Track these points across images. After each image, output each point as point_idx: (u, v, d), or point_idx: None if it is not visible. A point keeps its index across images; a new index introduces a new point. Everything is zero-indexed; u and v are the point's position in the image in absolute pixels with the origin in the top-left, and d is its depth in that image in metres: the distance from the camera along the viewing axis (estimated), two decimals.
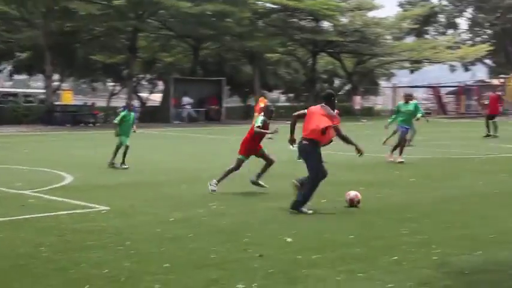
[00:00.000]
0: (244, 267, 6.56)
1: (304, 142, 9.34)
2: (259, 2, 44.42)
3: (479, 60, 61.36)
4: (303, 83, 53.72)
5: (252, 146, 11.32)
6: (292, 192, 9.77)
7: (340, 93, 56.47)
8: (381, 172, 14.61)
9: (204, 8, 38.66)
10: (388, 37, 51.88)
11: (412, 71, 60.70)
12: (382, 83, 62.27)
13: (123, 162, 14.72)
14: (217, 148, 21.98)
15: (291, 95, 58.80)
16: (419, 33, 61.89)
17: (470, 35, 66.99)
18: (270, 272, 6.38)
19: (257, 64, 47.04)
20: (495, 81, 52.65)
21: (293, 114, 10.10)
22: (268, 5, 45.35)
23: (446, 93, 56.73)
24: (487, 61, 65.89)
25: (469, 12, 66.91)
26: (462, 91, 52.80)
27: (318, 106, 9.60)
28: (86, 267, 6.46)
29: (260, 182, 11.40)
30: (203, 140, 26.68)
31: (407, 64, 55.54)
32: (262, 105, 29.02)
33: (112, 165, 14.77)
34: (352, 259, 6.91)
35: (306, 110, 9.78)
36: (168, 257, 6.91)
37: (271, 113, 11.34)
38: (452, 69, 64.86)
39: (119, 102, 49.56)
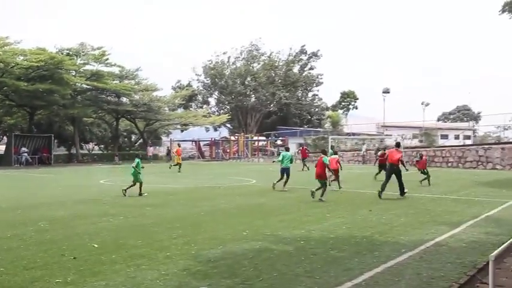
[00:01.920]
0: (62, 267, 6.33)
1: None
2: (78, 83, 43.74)
3: (223, 124, 67.74)
4: (109, 138, 54.31)
5: None
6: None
7: (136, 144, 58.70)
8: (161, 197, 14.60)
9: (37, 86, 38.32)
10: (166, 108, 54.32)
11: (182, 131, 64.46)
12: (164, 138, 64.11)
13: None
14: (45, 183, 20.54)
15: (102, 146, 58.51)
16: (186, 106, 66.47)
17: (217, 109, 73.11)
18: (81, 269, 6.24)
19: (77, 125, 46.66)
20: (233, 138, 58.14)
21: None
22: (84, 85, 45.05)
23: (204, 145, 60.19)
24: (228, 125, 72.10)
25: (215, 94, 73.10)
26: (213, 143, 57.14)
27: (394, 149, 15.32)
28: None
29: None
30: (36, 177, 24.63)
31: (179, 126, 58.26)
32: (178, 148, 30.98)
33: None
34: (139, 257, 6.96)
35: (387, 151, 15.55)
36: (4, 263, 6.49)
37: None
38: (207, 129, 70.34)
39: None
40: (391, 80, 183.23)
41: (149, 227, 9.50)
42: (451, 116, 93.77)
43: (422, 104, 58.38)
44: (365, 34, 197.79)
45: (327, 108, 79.29)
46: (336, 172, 17.45)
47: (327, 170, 14.50)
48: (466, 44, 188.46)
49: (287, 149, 18.60)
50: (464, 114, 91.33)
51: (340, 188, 17.38)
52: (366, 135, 48.54)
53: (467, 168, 33.18)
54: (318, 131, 56.09)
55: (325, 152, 15.11)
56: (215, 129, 72.92)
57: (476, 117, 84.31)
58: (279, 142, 62.74)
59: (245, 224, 9.97)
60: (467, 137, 55.94)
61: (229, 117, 63.75)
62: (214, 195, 15.36)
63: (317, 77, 78.30)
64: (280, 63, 75.68)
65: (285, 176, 17.31)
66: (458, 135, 53.48)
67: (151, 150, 52.67)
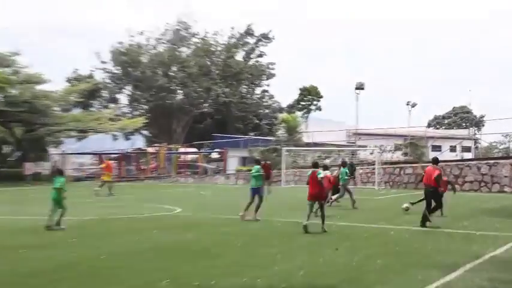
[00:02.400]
0: None
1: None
2: None
3: (138, 130, 67.58)
4: None
5: None
6: None
7: (9, 159, 55.56)
8: (47, 235, 14.71)
9: None
10: (57, 108, 53.26)
11: (79, 139, 62.75)
12: (52, 149, 61.52)
13: None
14: None
15: None
16: (85, 105, 65.48)
17: (130, 109, 73.30)
18: None
19: None
20: (150, 150, 59.08)
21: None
22: None
23: (110, 159, 63.51)
24: (144, 132, 72.87)
25: (128, 89, 73.25)
26: (123, 157, 56.92)
27: (430, 166, 16.91)
28: None
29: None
30: None
31: (74, 133, 56.96)
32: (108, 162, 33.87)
33: None
34: None
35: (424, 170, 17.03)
36: None
37: None
38: (115, 138, 69.26)
39: None
40: (367, 73, 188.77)
41: (23, 279, 9.38)
42: (446, 121, 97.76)
43: (407, 104, 60.29)
44: (335, 11, 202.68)
45: (281, 110, 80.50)
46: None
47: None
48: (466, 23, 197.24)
49: (258, 162, 19.30)
50: (463, 118, 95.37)
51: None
52: (333, 146, 49.46)
53: (466, 190, 34.42)
54: (269, 140, 56.63)
55: (317, 166, 15.78)
56: (127, 138, 72.95)
57: (478, 123, 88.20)
58: (214, 155, 62.72)
59: (164, 270, 10.00)
60: (467, 149, 58.35)
61: (147, 121, 63.30)
62: (122, 230, 15.51)
63: (268, 67, 79.48)
64: (219, 48, 76.24)
65: (256, 199, 17.94)
66: (454, 147, 55.73)
67: (31, 167, 51.79)
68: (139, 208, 22.66)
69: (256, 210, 17.88)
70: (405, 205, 20.32)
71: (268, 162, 26.92)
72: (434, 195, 16.73)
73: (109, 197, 28.84)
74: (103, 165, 33.90)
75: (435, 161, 17.61)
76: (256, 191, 18.04)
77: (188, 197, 29.84)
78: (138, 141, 75.70)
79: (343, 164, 23.61)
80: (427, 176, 16.85)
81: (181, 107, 70.75)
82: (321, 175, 15.35)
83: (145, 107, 73.17)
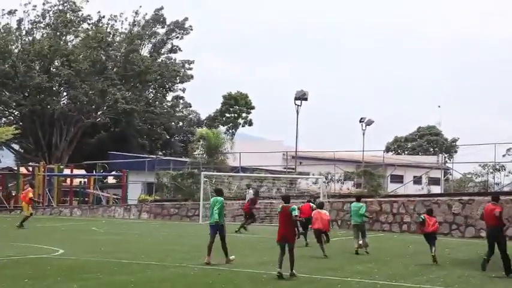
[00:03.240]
0: None
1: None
2: None
3: (6, 144, 66.41)
4: None
5: None
6: None
7: None
8: None
9: None
10: None
11: None
12: None
13: None
14: None
15: None
16: None
17: None
18: None
19: None
20: (25, 170, 57.90)
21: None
22: None
23: None
24: (15, 146, 72.02)
25: None
26: None
27: (490, 204, 18.38)
28: None
29: None
30: None
31: None
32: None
33: None
34: None
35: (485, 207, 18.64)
36: None
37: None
38: None
39: None
40: (312, 82, 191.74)
41: None
42: (409, 145, 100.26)
43: (361, 122, 61.40)
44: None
45: (200, 123, 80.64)
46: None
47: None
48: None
49: (219, 192, 20.32)
50: (431, 142, 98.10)
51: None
52: (267, 172, 49.81)
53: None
54: (183, 161, 56.49)
55: (288, 200, 17.52)
56: None
57: (449, 148, 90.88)
58: (111, 180, 61.99)
59: None
60: (435, 181, 59.93)
61: (18, 131, 62.44)
62: None
63: (183, 66, 79.54)
64: (117, 39, 75.71)
65: (215, 238, 19.04)
66: (420, 178, 56.99)
67: None
68: (6, 248, 22.33)
69: (225, 251, 19.02)
70: None
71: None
72: (497, 236, 18.28)
73: None
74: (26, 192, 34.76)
75: (495, 198, 19.14)
76: (217, 228, 19.04)
77: (74, 235, 29.49)
78: (7, 159, 74.96)
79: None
80: (486, 215, 18.54)
81: (66, 114, 69.69)
82: (296, 212, 16.92)
83: (17, 113, 72.17)
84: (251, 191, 42.17)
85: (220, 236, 18.98)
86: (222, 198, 19.58)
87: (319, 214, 23.27)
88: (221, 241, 18.93)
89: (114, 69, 73.30)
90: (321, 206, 24.71)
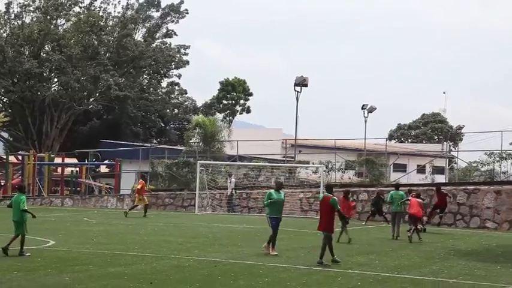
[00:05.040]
0: None
1: None
2: None
3: None
4: None
5: None
6: None
7: None
8: None
9: None
10: None
11: None
12: None
13: None
14: None
15: None
16: None
17: None
18: None
19: None
20: (14, 159, 57.38)
21: None
22: None
23: None
24: (4, 134, 72.17)
25: None
26: None
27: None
28: None
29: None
30: None
31: None
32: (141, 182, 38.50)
33: None
34: None
35: None
36: None
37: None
38: None
39: None
40: (313, 67, 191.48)
41: None
42: (413, 132, 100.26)
43: (363, 109, 61.49)
44: None
45: (196, 110, 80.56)
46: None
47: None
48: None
49: (280, 186, 21.12)
50: (435, 129, 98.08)
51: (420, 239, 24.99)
52: (265, 161, 49.81)
53: (437, 224, 35.36)
54: (179, 150, 56.45)
55: (331, 189, 19.04)
56: None
57: (454, 136, 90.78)
58: (103, 169, 61.92)
59: None
60: (440, 170, 59.93)
61: (7, 119, 62.85)
62: None
63: (178, 52, 79.38)
64: (110, 23, 75.50)
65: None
66: (423, 166, 57.01)
67: None
68: None
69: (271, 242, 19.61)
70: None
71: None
72: None
73: None
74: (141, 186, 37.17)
75: None
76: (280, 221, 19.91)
77: (65, 226, 29.48)
78: None
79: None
80: None
81: (57, 101, 69.58)
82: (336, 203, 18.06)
83: (5, 99, 72.33)
84: (233, 179, 42.40)
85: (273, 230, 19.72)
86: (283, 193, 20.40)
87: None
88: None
89: (107, 55, 73.13)
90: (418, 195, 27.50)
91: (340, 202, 21.63)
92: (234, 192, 42.36)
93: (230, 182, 42.24)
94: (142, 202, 37.77)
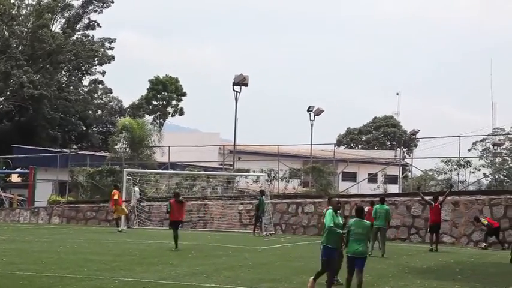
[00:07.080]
0: None
1: None
2: None
3: None
4: None
5: None
6: None
7: None
8: None
9: None
10: None
11: None
12: None
13: None
14: None
15: None
16: None
17: None
18: None
19: None
20: None
21: None
22: None
23: None
24: None
25: None
26: None
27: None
28: None
29: None
30: None
31: None
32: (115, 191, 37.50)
33: None
34: None
35: None
36: None
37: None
38: None
39: None
40: (254, 65, 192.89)
41: None
42: (363, 137, 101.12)
43: (309, 111, 61.80)
44: None
45: (122, 112, 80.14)
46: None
47: None
48: None
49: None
50: (388, 134, 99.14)
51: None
52: (200, 169, 49.86)
53: (390, 239, 35.69)
54: (102, 156, 56.12)
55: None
56: None
57: (408, 142, 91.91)
58: (15, 178, 61.20)
59: None
60: (393, 179, 60.66)
61: None
62: None
63: (102, 46, 78.89)
64: (23, 12, 74.66)
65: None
66: (375, 175, 57.65)
67: None
68: None
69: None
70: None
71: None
72: None
73: None
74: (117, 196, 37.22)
75: None
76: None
77: None
78: None
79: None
80: None
81: None
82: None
83: None
84: (137, 189, 42.20)
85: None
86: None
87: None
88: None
89: (20, 48, 72.43)
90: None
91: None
92: (136, 207, 42.02)
93: (134, 192, 42.00)
94: (122, 212, 38.24)
